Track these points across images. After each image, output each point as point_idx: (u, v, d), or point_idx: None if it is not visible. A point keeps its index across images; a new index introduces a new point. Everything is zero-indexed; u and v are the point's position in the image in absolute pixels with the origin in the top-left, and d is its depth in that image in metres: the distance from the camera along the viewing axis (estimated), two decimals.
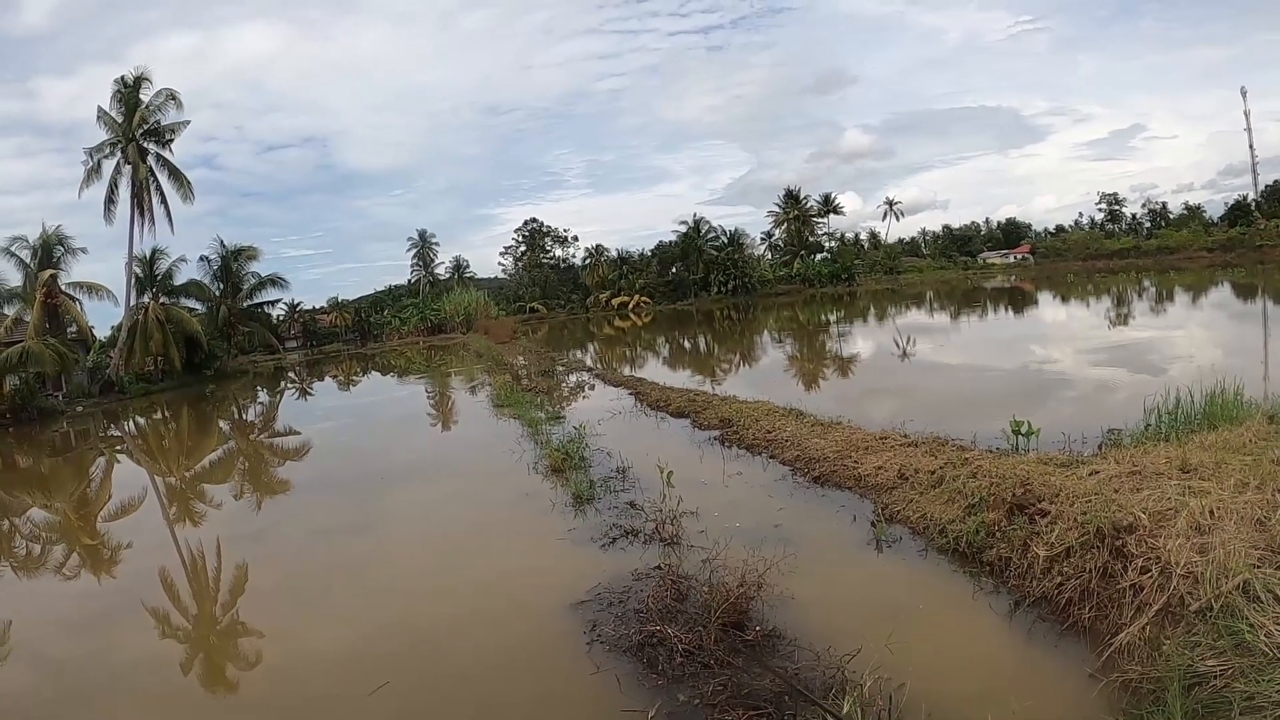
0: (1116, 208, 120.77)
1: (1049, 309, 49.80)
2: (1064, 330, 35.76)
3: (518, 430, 20.19)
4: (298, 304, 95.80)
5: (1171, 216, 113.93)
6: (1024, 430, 11.54)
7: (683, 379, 28.64)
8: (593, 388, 29.25)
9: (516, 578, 10.07)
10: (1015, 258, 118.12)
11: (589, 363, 40.86)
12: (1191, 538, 6.25)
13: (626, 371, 34.23)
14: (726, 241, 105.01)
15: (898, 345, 35.82)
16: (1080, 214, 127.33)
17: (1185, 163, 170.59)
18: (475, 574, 10.54)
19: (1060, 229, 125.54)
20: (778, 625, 7.32)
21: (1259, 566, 5.71)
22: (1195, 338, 27.69)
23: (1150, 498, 7.14)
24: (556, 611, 8.43)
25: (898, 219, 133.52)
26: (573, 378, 33.33)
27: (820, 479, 12.25)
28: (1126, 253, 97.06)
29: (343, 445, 25.56)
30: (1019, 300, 58.76)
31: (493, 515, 13.41)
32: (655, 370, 35.15)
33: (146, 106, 50.45)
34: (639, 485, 13.18)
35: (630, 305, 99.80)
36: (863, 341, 39.86)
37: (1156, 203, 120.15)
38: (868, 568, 8.82)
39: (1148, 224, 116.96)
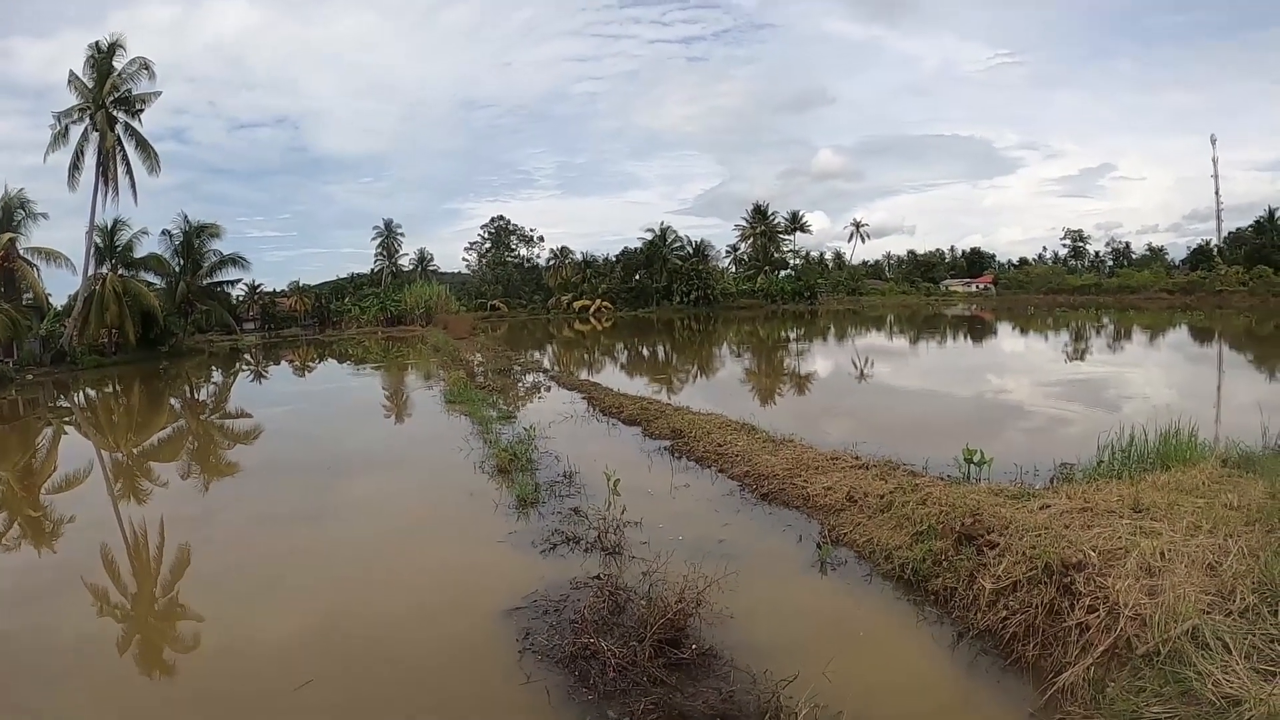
0: (1080, 244, 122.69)
1: (1008, 340, 50.28)
2: (1021, 361, 36.11)
3: (468, 427, 19.85)
4: (258, 286, 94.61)
5: (1134, 256, 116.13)
6: (976, 459, 11.43)
7: (638, 386, 28.45)
8: (548, 389, 28.97)
9: (454, 579, 9.79)
10: (977, 287, 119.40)
11: (546, 364, 40.59)
12: (1141, 579, 6.13)
13: (583, 375, 33.98)
14: (692, 252, 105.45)
15: (855, 366, 35.90)
16: (1044, 248, 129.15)
17: (1152, 204, 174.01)
18: (413, 574, 10.19)
19: (1024, 261, 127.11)
20: (715, 644, 7.08)
21: (1209, 612, 5.60)
22: (1151, 377, 28.11)
23: (1101, 536, 7.01)
24: (491, 616, 8.13)
25: (864, 241, 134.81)
26: (528, 378, 33.07)
27: (768, 496, 12.04)
28: (1088, 289, 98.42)
29: (293, 431, 25.04)
30: (979, 329, 59.31)
31: (436, 513, 13.08)
32: (612, 376, 34.89)
33: (119, 74, 49.52)
34: (585, 492, 12.88)
35: (591, 309, 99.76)
36: (821, 360, 39.92)
37: (1120, 242, 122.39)
38: (811, 590, 8.62)
39: (1110, 262, 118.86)
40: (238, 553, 11.89)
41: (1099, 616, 5.97)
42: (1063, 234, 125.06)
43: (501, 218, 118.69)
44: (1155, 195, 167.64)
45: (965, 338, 53.25)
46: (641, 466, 14.75)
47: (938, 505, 9.12)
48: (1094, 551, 6.67)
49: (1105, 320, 59.60)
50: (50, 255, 48.98)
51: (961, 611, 7.31)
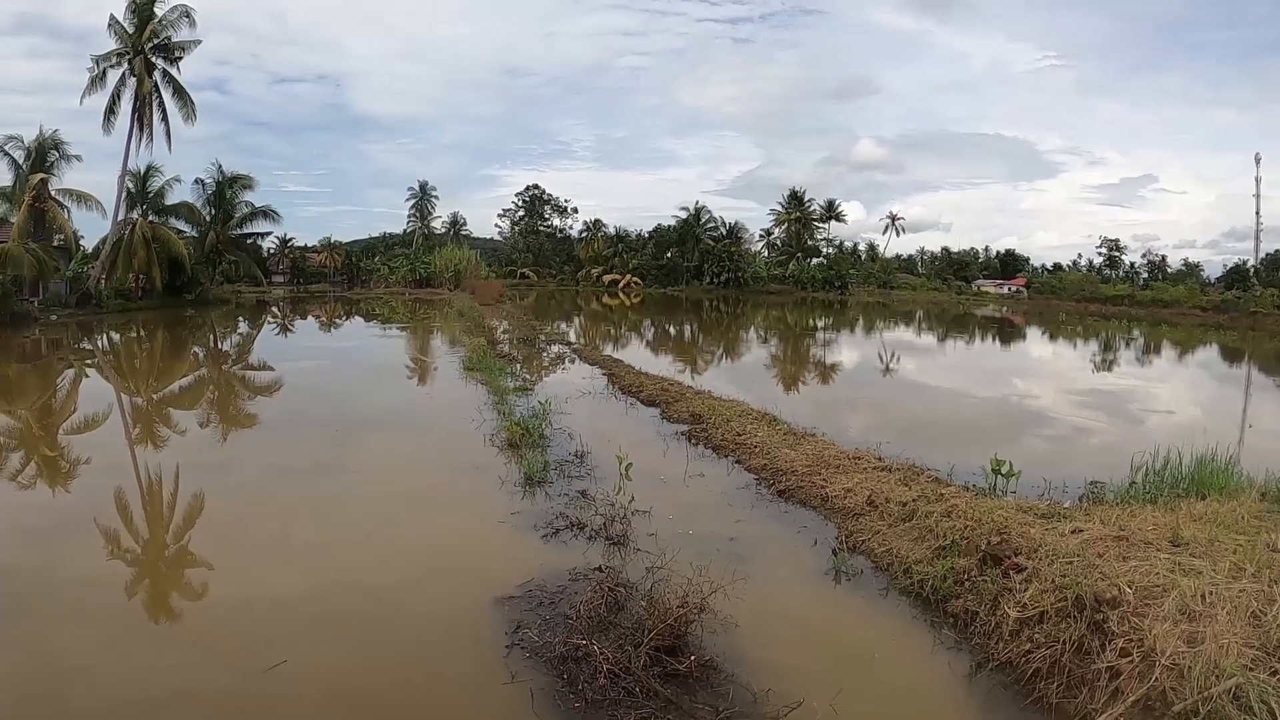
0: (1116, 254, 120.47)
1: (1036, 345, 49.43)
2: (1049, 368, 35.47)
3: (484, 396, 19.53)
4: (289, 239, 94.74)
5: (1169, 270, 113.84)
6: (1004, 470, 10.92)
7: (663, 364, 28.05)
8: (570, 362, 28.69)
9: (449, 558, 9.43)
10: (1010, 289, 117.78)
11: (571, 336, 40.29)
12: (1180, 623, 5.63)
13: (608, 349, 33.78)
14: (725, 233, 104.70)
15: (882, 360, 35.40)
16: (1080, 255, 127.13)
17: (1191, 220, 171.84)
18: (409, 550, 9.84)
19: (1058, 267, 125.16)
20: (717, 655, 6.65)
21: (1252, 669, 5.11)
22: (1177, 394, 27.62)
23: (1137, 570, 6.51)
24: (482, 604, 7.73)
25: (898, 234, 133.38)
26: (551, 349, 32.72)
27: (785, 493, 11.59)
28: (1120, 300, 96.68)
29: (313, 387, 24.81)
30: (1008, 332, 58.36)
31: (440, 484, 12.72)
32: (637, 352, 34.75)
33: (159, 20, 49.61)
34: (595, 474, 12.52)
35: (621, 284, 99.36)
36: (848, 352, 39.33)
37: (1156, 255, 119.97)
38: (823, 601, 8.18)
39: (1145, 274, 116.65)
40: (242, 506, 11.76)
41: (1132, 662, 5.48)
42: (1099, 242, 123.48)
43: (536, 186, 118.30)
44: (1195, 211, 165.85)
45: (994, 339, 52.49)
46: (656, 450, 14.37)
47: (963, 519, 8.65)
48: (1130, 588, 6.18)
49: (1136, 333, 58.45)
50: (82, 197, 49.05)
51: (981, 639, 6.83)
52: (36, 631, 7.54)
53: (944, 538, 8.44)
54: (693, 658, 6.48)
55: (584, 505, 10.88)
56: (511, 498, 11.40)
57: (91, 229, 61.62)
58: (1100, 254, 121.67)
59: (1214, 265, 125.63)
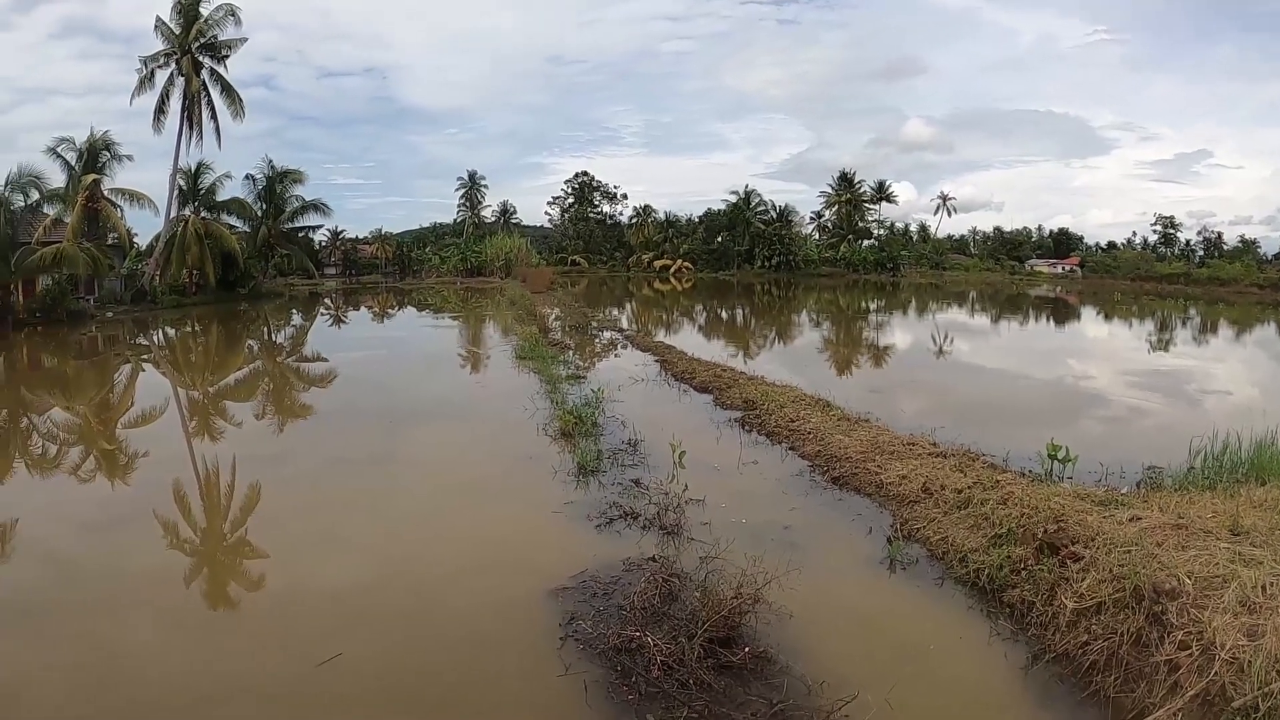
0: (1171, 231, 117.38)
1: (1091, 325, 48.64)
2: (1104, 348, 34.87)
3: (536, 385, 19.66)
4: (341, 232, 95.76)
5: (1225, 247, 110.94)
6: (1060, 456, 10.79)
7: (716, 349, 27.99)
8: (622, 349, 28.78)
9: (504, 549, 9.52)
10: (1063, 269, 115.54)
11: (624, 323, 40.35)
12: (1240, 615, 5.53)
13: (660, 335, 33.95)
14: (775, 216, 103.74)
15: (935, 342, 35.04)
16: (1134, 233, 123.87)
17: (1247, 195, 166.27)
18: (464, 540, 10.03)
19: (1112, 245, 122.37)
20: (771, 646, 6.68)
21: None
22: (1235, 373, 27.07)
23: (1196, 560, 6.40)
24: (537, 595, 7.84)
25: (949, 215, 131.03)
26: (603, 336, 32.78)
27: (840, 480, 11.58)
28: (1176, 278, 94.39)
29: (367, 378, 25.28)
30: (1062, 312, 57.39)
31: (494, 475, 12.89)
32: (689, 337, 34.80)
33: (205, 20, 50.50)
34: (648, 462, 12.60)
35: (672, 269, 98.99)
36: (901, 334, 38.96)
37: (1212, 232, 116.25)
38: (878, 591, 8.15)
39: (1200, 252, 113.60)
40: (302, 497, 12.12)
41: (1191, 655, 5.41)
42: (1154, 219, 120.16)
43: (585, 173, 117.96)
44: (1251, 186, 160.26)
45: (1048, 320, 51.63)
46: (710, 438, 14.42)
47: (1019, 507, 8.57)
48: (1189, 578, 6.09)
49: (1192, 311, 57.13)
50: (134, 196, 49.80)
51: (1038, 629, 6.78)
52: (101, 622, 7.81)
53: (1000, 526, 8.37)
54: (746, 649, 6.52)
55: (637, 494, 10.95)
56: (565, 487, 11.49)
57: (145, 226, 63.06)
58: (1155, 232, 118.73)
59: (1271, 242, 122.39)
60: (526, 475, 12.28)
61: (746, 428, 15.20)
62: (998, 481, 9.68)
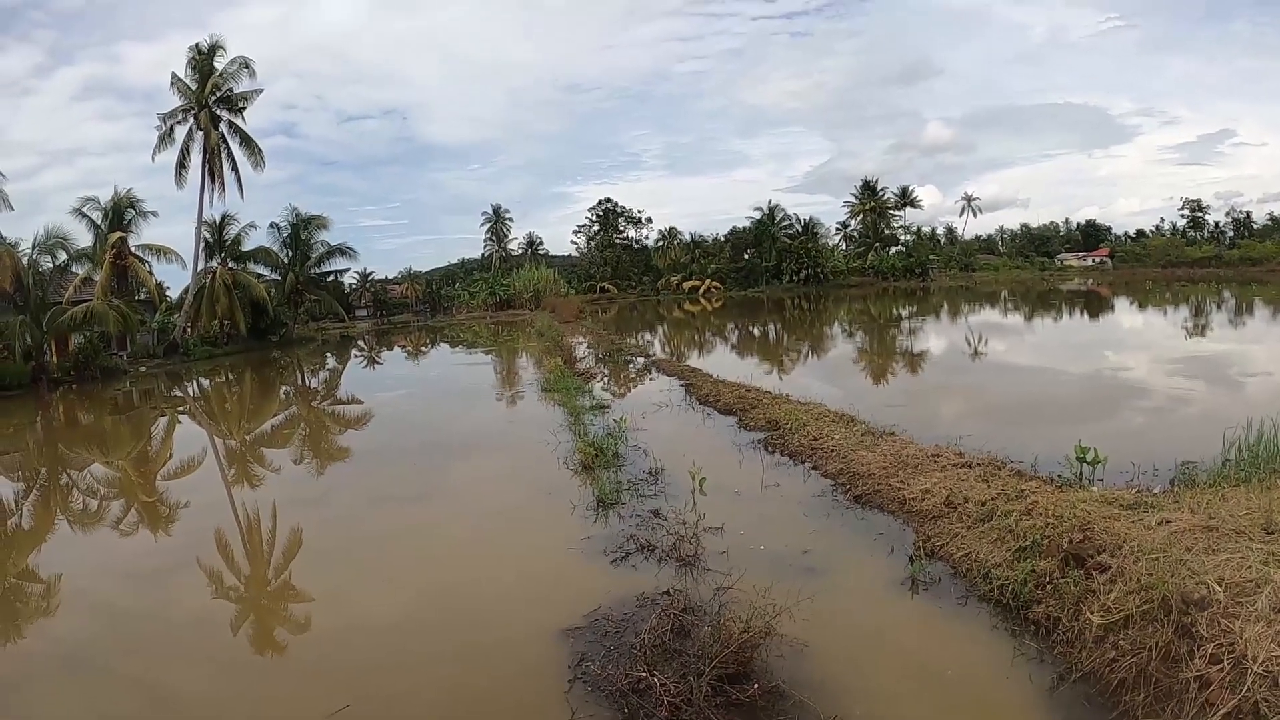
0: (1199, 214, 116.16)
1: (1125, 315, 47.81)
2: (1139, 338, 34.20)
3: (560, 418, 19.52)
4: (370, 273, 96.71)
5: (1255, 226, 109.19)
6: (1089, 458, 10.38)
7: (748, 367, 27.58)
8: (647, 375, 28.51)
9: (516, 593, 9.28)
10: (1093, 261, 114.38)
11: (655, 348, 40.24)
12: (1274, 624, 5.16)
13: (693, 357, 34.05)
14: (801, 230, 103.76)
15: (969, 344, 34.52)
16: (1162, 219, 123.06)
17: (1273, 172, 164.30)
18: (478, 583, 9.80)
19: (1141, 233, 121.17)
20: (785, 679, 6.40)
21: None
22: (1275, 353, 26.50)
23: (1228, 563, 6.04)
24: (548, 636, 7.63)
25: (975, 215, 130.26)
26: (630, 363, 32.61)
27: (862, 498, 11.25)
28: (1207, 261, 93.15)
29: (398, 418, 25.68)
30: (1095, 305, 56.50)
31: (512, 513, 12.67)
32: (722, 357, 34.84)
33: (220, 74, 51.41)
34: (667, 491, 12.33)
35: (701, 290, 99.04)
36: (934, 339, 38.42)
37: (1241, 211, 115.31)
38: (898, 613, 7.80)
39: (1230, 233, 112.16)
40: (330, 541, 12.23)
41: (1223, 670, 5.05)
42: (1181, 204, 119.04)
43: (609, 200, 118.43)
44: (1277, 162, 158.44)
45: (1081, 313, 50.84)
46: (732, 462, 14.13)
47: (1043, 517, 8.21)
48: (1219, 585, 5.73)
49: (1226, 294, 56.06)
50: (161, 251, 50.72)
51: (1064, 647, 6.42)
52: (150, 671, 8.00)
53: (1024, 538, 8.02)
54: (756, 686, 6.24)
55: (655, 525, 10.68)
56: (583, 522, 11.27)
57: (174, 280, 64.13)
58: (1183, 216, 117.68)
59: None
60: (544, 512, 12.05)
61: (769, 449, 14.89)
62: (1022, 491, 9.34)
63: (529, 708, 6.56)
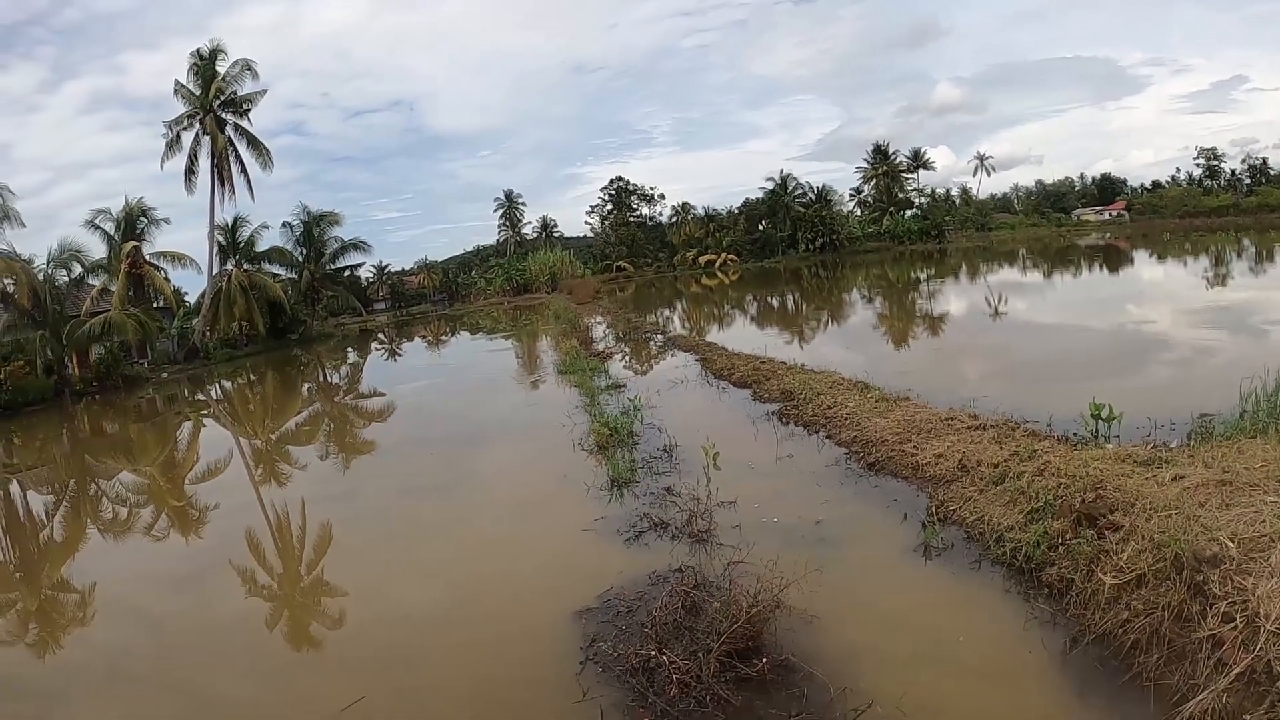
0: (1215, 163, 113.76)
1: (1145, 268, 47.21)
2: (1160, 290, 33.64)
3: (576, 399, 19.54)
4: (386, 266, 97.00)
5: (1272, 173, 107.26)
6: (1104, 415, 10.19)
7: (767, 338, 27.64)
8: (663, 351, 28.37)
9: (530, 578, 9.31)
10: (1110, 215, 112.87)
11: (675, 322, 40.27)
12: None
13: (713, 331, 34.24)
14: (814, 198, 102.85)
15: (989, 304, 34.16)
16: (1178, 169, 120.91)
17: None
18: (494, 568, 9.91)
19: (1157, 185, 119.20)
20: (796, 652, 6.34)
21: None
22: None
23: (1241, 518, 5.89)
24: (561, 617, 7.66)
25: (989, 174, 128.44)
26: (645, 341, 32.50)
27: (875, 466, 11.14)
28: (1225, 210, 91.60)
29: (419, 408, 26.00)
30: (1114, 259, 55.81)
31: (528, 498, 12.71)
32: (740, 329, 34.80)
33: (222, 78, 51.57)
34: (681, 468, 12.27)
35: (717, 263, 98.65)
36: (954, 300, 38.03)
37: (1257, 158, 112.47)
38: (910, 581, 7.69)
39: (1248, 180, 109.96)
40: (356, 536, 12.37)
41: (1235, 628, 4.93)
42: (1196, 153, 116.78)
43: (621, 179, 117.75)
44: None
45: (1101, 268, 50.26)
46: (746, 435, 14.04)
47: (1055, 477, 8.08)
48: (1232, 541, 5.59)
49: (1245, 242, 55.22)
50: (175, 257, 51.16)
51: (1077, 609, 6.30)
52: (189, 673, 8.16)
53: (1037, 499, 7.89)
54: (765, 660, 6.19)
55: (668, 503, 10.68)
56: (597, 503, 11.25)
57: (191, 285, 64.54)
58: (1198, 165, 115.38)
59: None
60: (560, 496, 12.04)
61: (784, 419, 14.79)
62: (1035, 451, 9.20)
63: (539, 689, 6.58)
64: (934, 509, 9.07)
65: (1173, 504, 6.50)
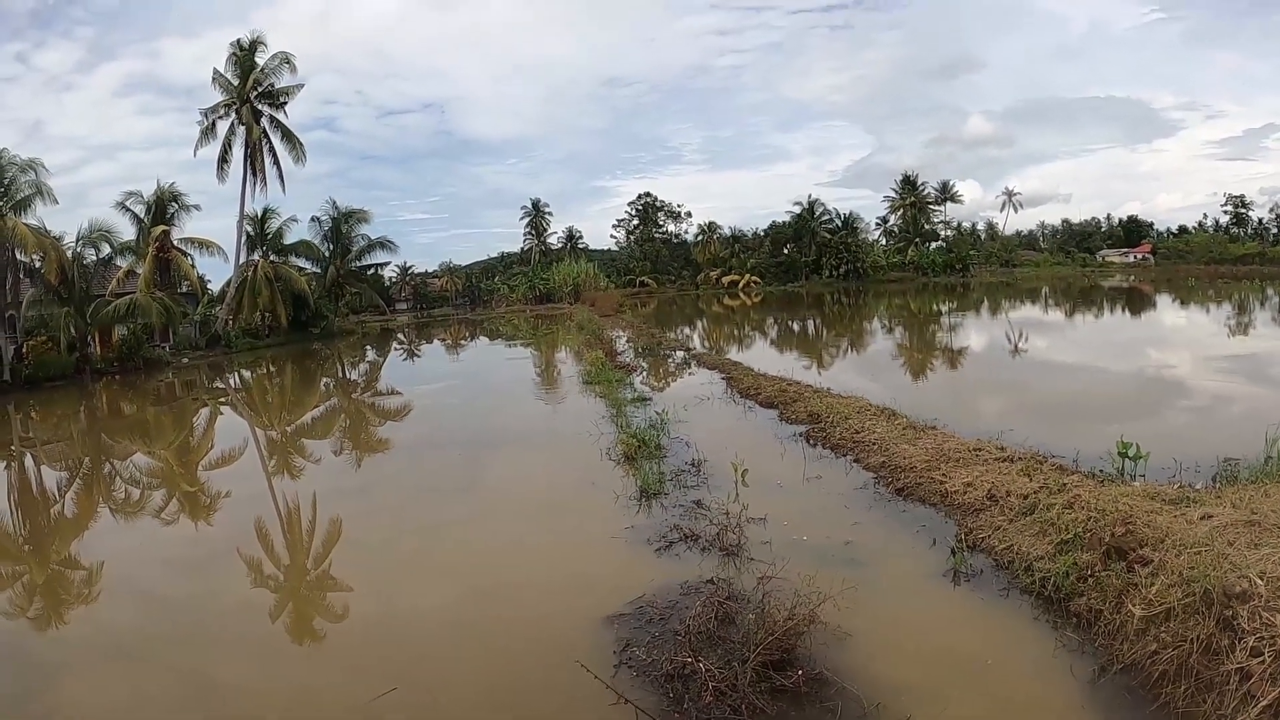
0: (1243, 210, 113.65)
1: (1167, 313, 47.17)
2: (1182, 336, 33.71)
3: (602, 410, 19.74)
4: (409, 267, 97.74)
5: None
6: (1131, 454, 10.39)
7: (788, 362, 27.63)
8: (688, 368, 28.65)
9: (561, 582, 9.49)
10: (1135, 257, 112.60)
11: (694, 341, 40.37)
12: None
13: (733, 351, 34.15)
14: (840, 225, 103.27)
15: (1010, 340, 34.28)
16: (1205, 215, 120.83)
17: None
18: (524, 571, 10.02)
19: (1183, 230, 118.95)
20: (829, 667, 6.52)
21: None
22: None
23: (1269, 558, 6.08)
24: (594, 622, 7.82)
25: (1016, 210, 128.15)
26: (670, 357, 32.72)
27: (903, 491, 11.32)
28: (1251, 259, 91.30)
29: (438, 409, 26.14)
30: (1137, 302, 55.79)
31: (557, 503, 12.89)
32: (761, 352, 34.72)
33: (261, 70, 52.24)
34: (710, 482, 12.46)
35: (740, 284, 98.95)
36: (975, 335, 38.18)
37: None
38: (940, 604, 7.88)
39: (1275, 230, 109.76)
40: (371, 533, 12.44)
41: (1263, 662, 5.12)
42: (1224, 200, 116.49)
43: (648, 194, 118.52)
44: None
45: (1123, 310, 50.29)
46: (773, 454, 14.22)
47: (1085, 510, 8.26)
48: (1261, 579, 5.78)
49: (1270, 291, 55.12)
50: (203, 244, 51.62)
51: (1105, 639, 6.48)
52: (192, 657, 8.24)
53: (1066, 531, 8.07)
54: (800, 672, 6.37)
55: (698, 516, 10.83)
56: (626, 512, 11.44)
57: (216, 273, 65.23)
58: (1226, 212, 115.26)
59: None
60: (589, 502, 12.24)
61: (811, 442, 14.98)
62: (1064, 485, 9.36)
63: (573, 692, 6.69)
64: (963, 536, 9.25)
65: (1202, 542, 6.69)
